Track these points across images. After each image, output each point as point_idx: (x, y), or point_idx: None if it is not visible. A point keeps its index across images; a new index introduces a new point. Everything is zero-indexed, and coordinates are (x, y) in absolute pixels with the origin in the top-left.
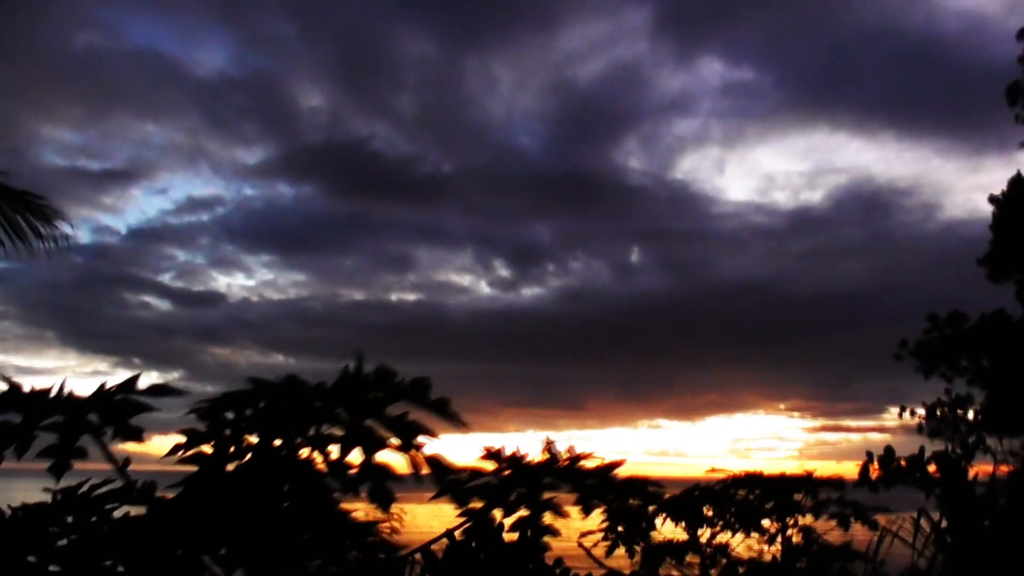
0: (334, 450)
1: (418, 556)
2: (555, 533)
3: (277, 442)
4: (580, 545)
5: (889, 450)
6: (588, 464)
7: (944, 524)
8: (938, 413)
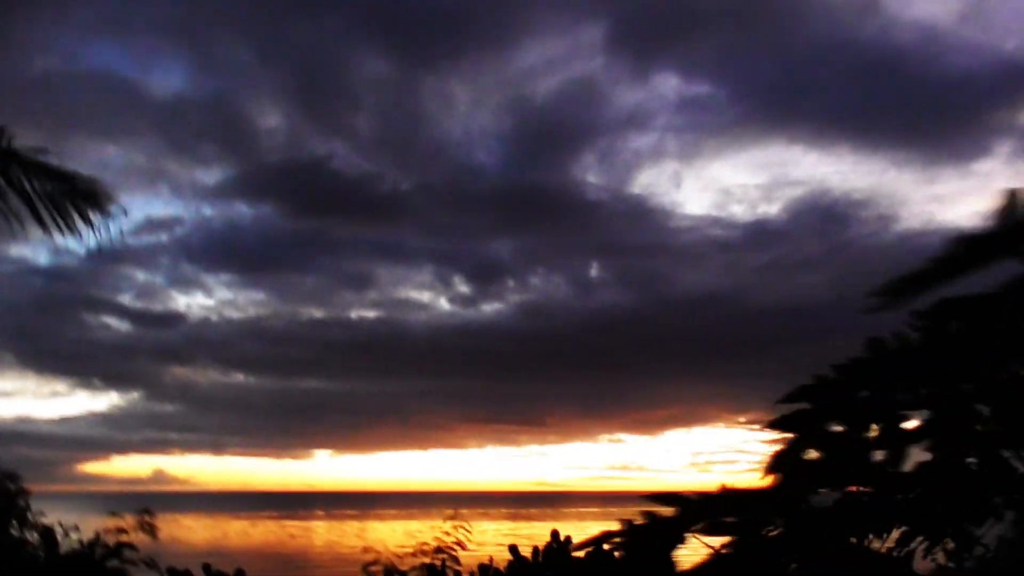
0: None
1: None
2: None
3: None
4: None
5: None
6: None
7: None
8: None
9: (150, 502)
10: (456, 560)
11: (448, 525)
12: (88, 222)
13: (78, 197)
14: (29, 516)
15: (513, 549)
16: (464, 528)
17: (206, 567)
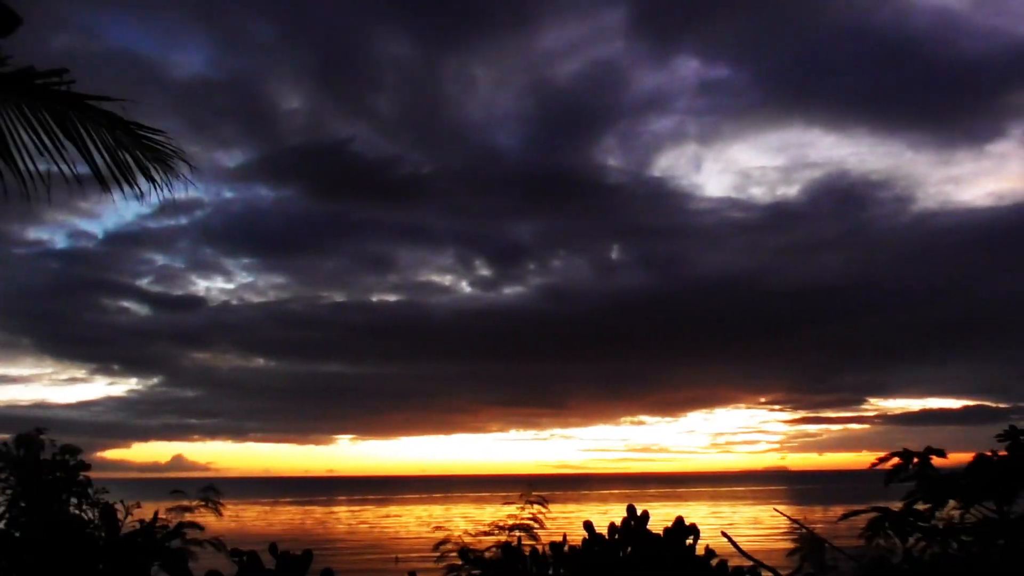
0: None
1: (547, 550)
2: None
3: None
4: (724, 535)
5: None
6: None
7: None
8: None
9: (170, 488)
10: (535, 537)
11: (519, 506)
12: (151, 179)
13: (143, 151)
14: (90, 492)
15: (588, 526)
16: (541, 506)
17: (273, 547)
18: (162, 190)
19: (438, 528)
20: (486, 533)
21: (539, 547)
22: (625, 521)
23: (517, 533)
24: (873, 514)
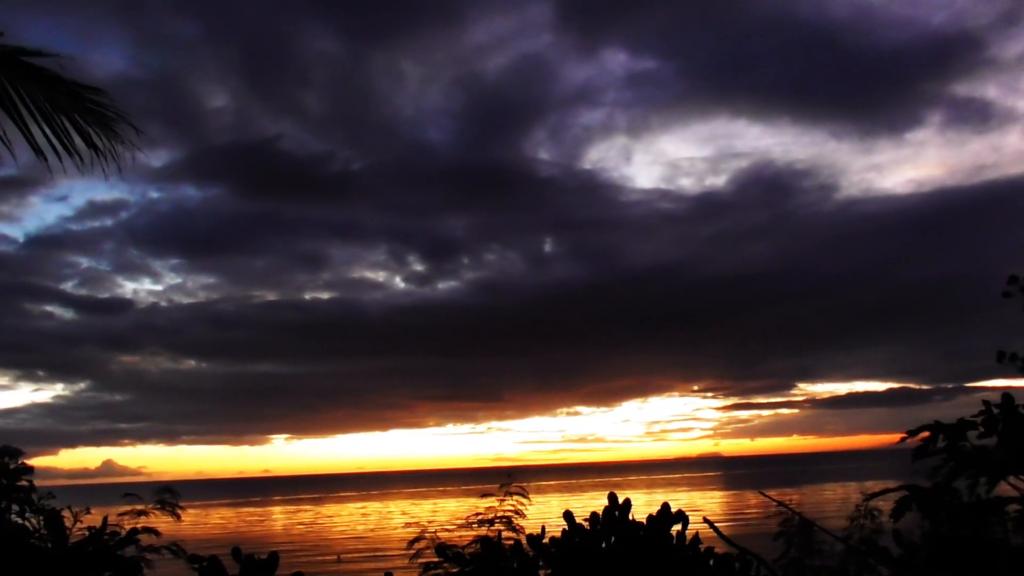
0: None
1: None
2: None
3: None
4: (705, 520)
5: None
6: None
7: None
8: None
9: (100, 495)
10: (514, 528)
11: (498, 498)
12: (94, 147)
13: (84, 115)
14: (34, 498)
15: (568, 515)
16: (523, 496)
17: (236, 551)
18: (106, 159)
19: (409, 525)
20: (465, 526)
21: (519, 538)
22: (607, 510)
23: (497, 526)
24: (901, 493)
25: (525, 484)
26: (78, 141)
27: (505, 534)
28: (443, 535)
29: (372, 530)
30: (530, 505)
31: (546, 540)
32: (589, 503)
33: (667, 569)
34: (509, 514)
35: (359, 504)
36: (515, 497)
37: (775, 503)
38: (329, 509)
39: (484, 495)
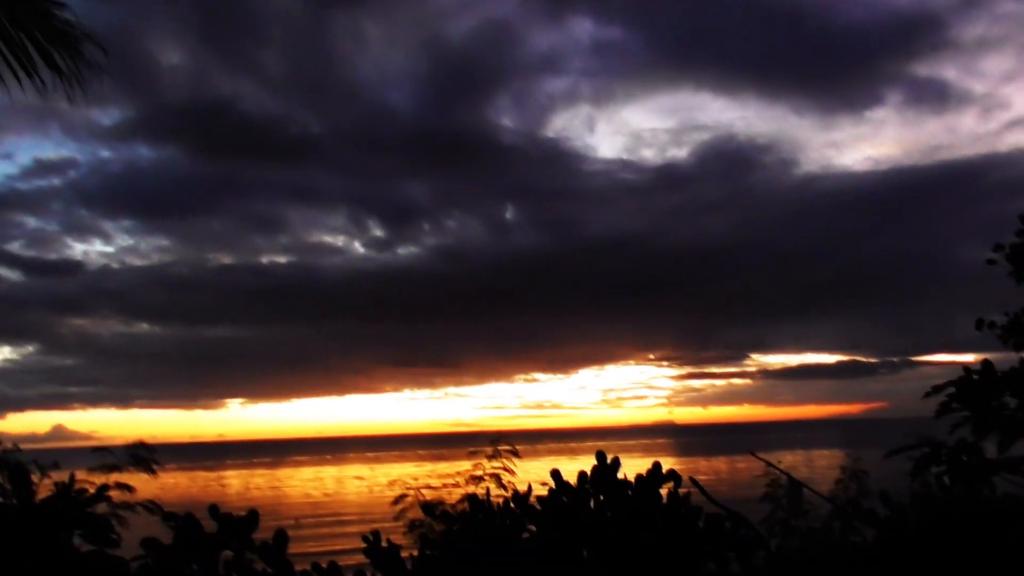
0: None
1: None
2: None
3: None
4: (692, 480)
5: None
6: None
7: None
8: None
9: (49, 458)
10: (503, 485)
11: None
12: (56, 67)
13: (45, 32)
14: None
15: (555, 474)
16: (510, 457)
17: (213, 508)
18: (69, 83)
19: (394, 483)
20: (453, 485)
21: (507, 496)
22: (595, 469)
23: (485, 483)
24: (922, 450)
25: (482, 449)
26: (39, 61)
27: (494, 492)
28: (428, 493)
29: (328, 495)
30: (518, 461)
31: (532, 500)
32: (547, 468)
33: (657, 528)
34: (498, 471)
35: (314, 468)
36: (504, 457)
37: (766, 464)
38: (284, 473)
39: (472, 453)
